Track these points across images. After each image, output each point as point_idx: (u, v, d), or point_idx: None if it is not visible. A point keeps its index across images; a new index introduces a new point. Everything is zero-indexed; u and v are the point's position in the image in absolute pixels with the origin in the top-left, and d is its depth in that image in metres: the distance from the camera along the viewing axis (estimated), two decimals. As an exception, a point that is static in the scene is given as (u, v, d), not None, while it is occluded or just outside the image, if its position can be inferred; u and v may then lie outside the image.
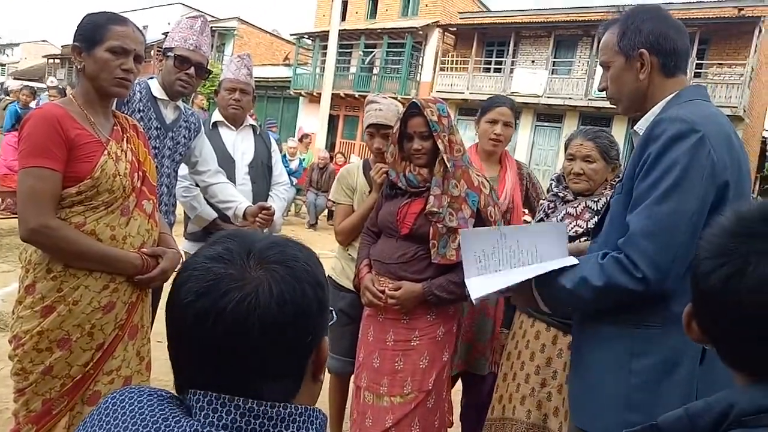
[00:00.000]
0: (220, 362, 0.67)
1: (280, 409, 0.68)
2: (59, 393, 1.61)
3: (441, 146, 2.04)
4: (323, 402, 2.78)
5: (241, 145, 2.79)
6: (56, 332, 1.59)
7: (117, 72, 1.66)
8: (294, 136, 15.15)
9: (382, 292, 2.08)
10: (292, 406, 0.69)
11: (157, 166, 2.22)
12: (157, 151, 2.25)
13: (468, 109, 20.26)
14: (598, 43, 1.63)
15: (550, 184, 2.32)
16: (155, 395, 0.71)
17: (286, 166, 9.54)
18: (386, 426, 2.05)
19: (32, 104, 8.46)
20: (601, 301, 1.41)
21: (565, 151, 2.22)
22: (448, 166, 2.05)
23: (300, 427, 0.68)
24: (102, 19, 1.67)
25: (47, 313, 1.59)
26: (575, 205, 2.10)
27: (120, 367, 1.70)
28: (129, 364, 1.73)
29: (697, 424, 0.74)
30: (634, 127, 1.56)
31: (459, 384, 2.66)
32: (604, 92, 1.59)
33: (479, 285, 1.58)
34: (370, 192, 2.48)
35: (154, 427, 0.66)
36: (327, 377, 2.72)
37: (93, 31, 1.65)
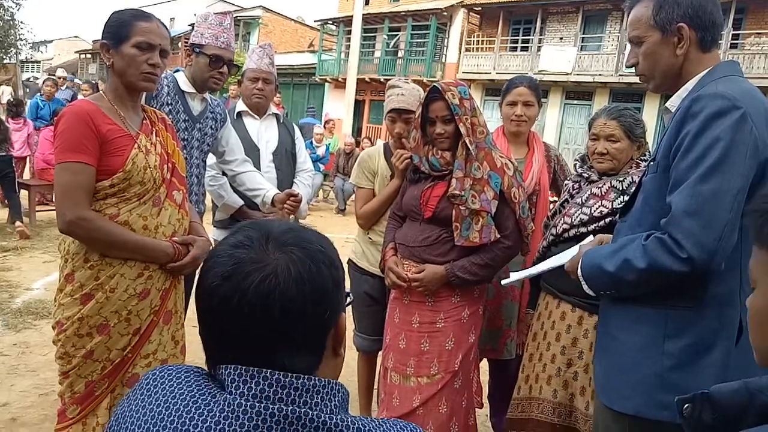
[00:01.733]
0: (246, 339, 0.73)
1: (305, 380, 0.73)
2: (100, 375, 1.70)
3: (463, 129, 2.04)
4: (353, 380, 2.85)
5: (265, 133, 2.84)
6: (95, 318, 1.67)
7: (144, 67, 1.71)
8: (320, 123, 15.21)
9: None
10: (316, 378, 0.74)
11: (186, 158, 2.28)
12: (185, 142, 2.31)
13: (495, 89, 19.95)
14: (629, 17, 1.58)
15: (575, 165, 2.29)
16: (192, 371, 0.77)
17: (312, 153, 9.62)
18: (414, 406, 2.09)
19: (58, 96, 8.61)
20: (645, 284, 1.38)
21: (589, 131, 2.19)
22: (471, 149, 2.05)
23: (324, 398, 0.73)
24: (127, 16, 1.73)
25: (86, 300, 1.67)
26: (600, 186, 2.07)
27: (156, 351, 1.78)
28: (165, 348, 1.81)
29: (757, 398, 0.73)
30: (666, 104, 1.51)
31: (484, 365, 2.68)
32: (633, 69, 1.54)
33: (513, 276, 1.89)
34: (391, 176, 2.50)
35: (192, 400, 0.71)
36: (355, 355, 2.78)
37: (119, 28, 1.71)
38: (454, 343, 2.11)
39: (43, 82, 8.76)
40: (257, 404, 0.70)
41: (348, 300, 0.87)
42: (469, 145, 2.05)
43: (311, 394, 0.73)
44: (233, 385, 0.72)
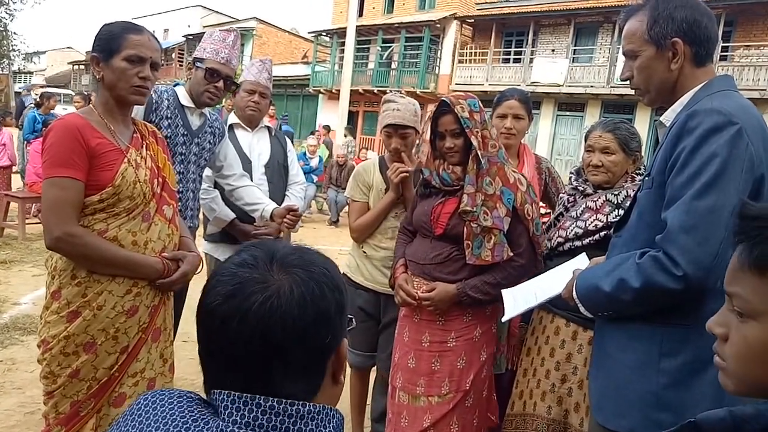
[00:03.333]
0: (246, 361, 0.71)
1: (299, 407, 0.71)
2: (86, 395, 1.66)
3: (474, 142, 1.99)
4: (345, 395, 2.79)
5: (257, 146, 2.82)
6: (82, 336, 1.63)
7: (134, 80, 1.69)
8: (314, 134, 15.35)
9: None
10: (311, 404, 0.72)
11: (182, 172, 2.27)
12: (183, 157, 2.30)
13: (488, 101, 19.51)
14: (620, 29, 1.56)
15: (570, 178, 2.29)
16: (185, 397, 0.75)
17: (306, 164, 9.61)
18: (424, 426, 2.03)
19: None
20: (642, 303, 1.36)
21: (585, 143, 2.19)
22: (482, 162, 1.99)
23: (318, 424, 0.71)
24: (118, 28, 1.71)
25: (73, 318, 1.63)
26: (595, 199, 2.06)
27: (144, 369, 1.74)
28: (153, 366, 1.77)
29: (743, 428, 0.71)
30: (660, 118, 1.51)
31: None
32: (628, 82, 1.53)
33: (512, 304, 1.85)
34: (386, 190, 2.47)
35: (185, 427, 0.69)
36: (347, 371, 2.74)
37: (109, 41, 1.69)
38: (465, 362, 2.05)
39: (43, 96, 8.71)
40: None
41: (351, 325, 0.85)
42: (480, 158, 1.99)
43: (305, 421, 0.70)
44: (226, 411, 0.70)
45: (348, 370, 2.66)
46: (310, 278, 0.74)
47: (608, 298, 1.40)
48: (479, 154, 1.99)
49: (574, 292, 1.52)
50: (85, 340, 1.64)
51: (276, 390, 0.71)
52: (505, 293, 1.94)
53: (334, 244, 7.62)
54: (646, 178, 1.47)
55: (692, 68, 1.43)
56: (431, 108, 2.19)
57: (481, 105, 2.10)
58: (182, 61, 29.44)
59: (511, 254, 1.99)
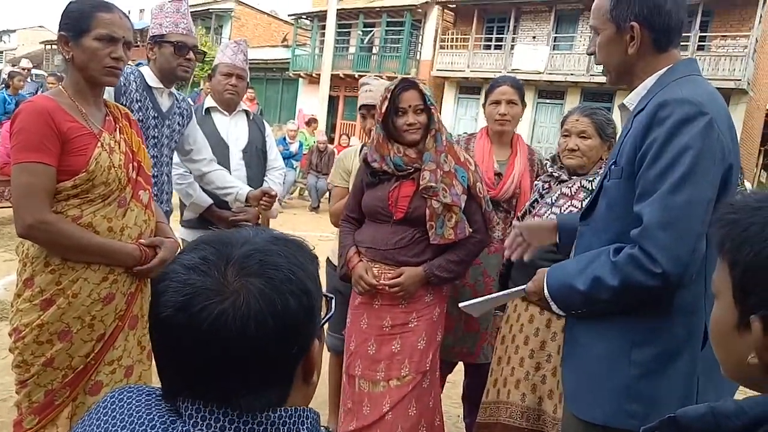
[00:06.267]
0: (202, 375, 0.67)
1: (270, 413, 0.68)
2: (61, 384, 1.63)
3: (436, 118, 2.07)
4: (322, 380, 2.79)
5: (234, 130, 2.78)
6: (56, 325, 1.61)
7: (107, 61, 1.64)
8: (294, 119, 15.13)
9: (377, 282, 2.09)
10: (282, 409, 0.69)
11: (156, 156, 2.22)
12: (156, 140, 2.25)
13: (469, 87, 20.08)
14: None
15: (545, 164, 2.30)
16: (153, 395, 0.73)
17: (285, 149, 9.52)
18: (383, 411, 2.05)
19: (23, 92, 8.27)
20: (618, 302, 1.35)
21: (561, 128, 2.20)
22: (440, 139, 2.07)
23: (291, 428, 0.68)
24: (87, 6, 1.64)
25: (47, 306, 1.60)
26: (570, 185, 2.09)
27: (121, 357, 1.72)
28: (130, 353, 1.75)
29: (724, 425, 0.70)
30: (624, 101, 1.49)
31: (460, 365, 2.67)
32: (592, 56, 1.52)
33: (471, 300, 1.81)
34: None
35: (150, 425, 0.67)
36: (326, 355, 2.74)
37: (79, 19, 1.62)
38: (425, 341, 2.09)
39: (9, 76, 8.37)
40: None
41: (330, 313, 0.81)
42: (439, 134, 2.07)
43: (276, 427, 0.68)
44: (191, 421, 0.66)
45: (326, 354, 2.69)
46: (272, 288, 0.66)
47: (583, 296, 1.38)
48: (435, 129, 2.06)
49: (545, 291, 1.49)
50: (59, 329, 1.61)
51: (239, 402, 0.67)
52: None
53: (315, 230, 7.60)
54: (613, 166, 1.43)
55: (652, 53, 1.41)
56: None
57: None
58: (159, 43, 28.63)
59: (470, 231, 2.08)
